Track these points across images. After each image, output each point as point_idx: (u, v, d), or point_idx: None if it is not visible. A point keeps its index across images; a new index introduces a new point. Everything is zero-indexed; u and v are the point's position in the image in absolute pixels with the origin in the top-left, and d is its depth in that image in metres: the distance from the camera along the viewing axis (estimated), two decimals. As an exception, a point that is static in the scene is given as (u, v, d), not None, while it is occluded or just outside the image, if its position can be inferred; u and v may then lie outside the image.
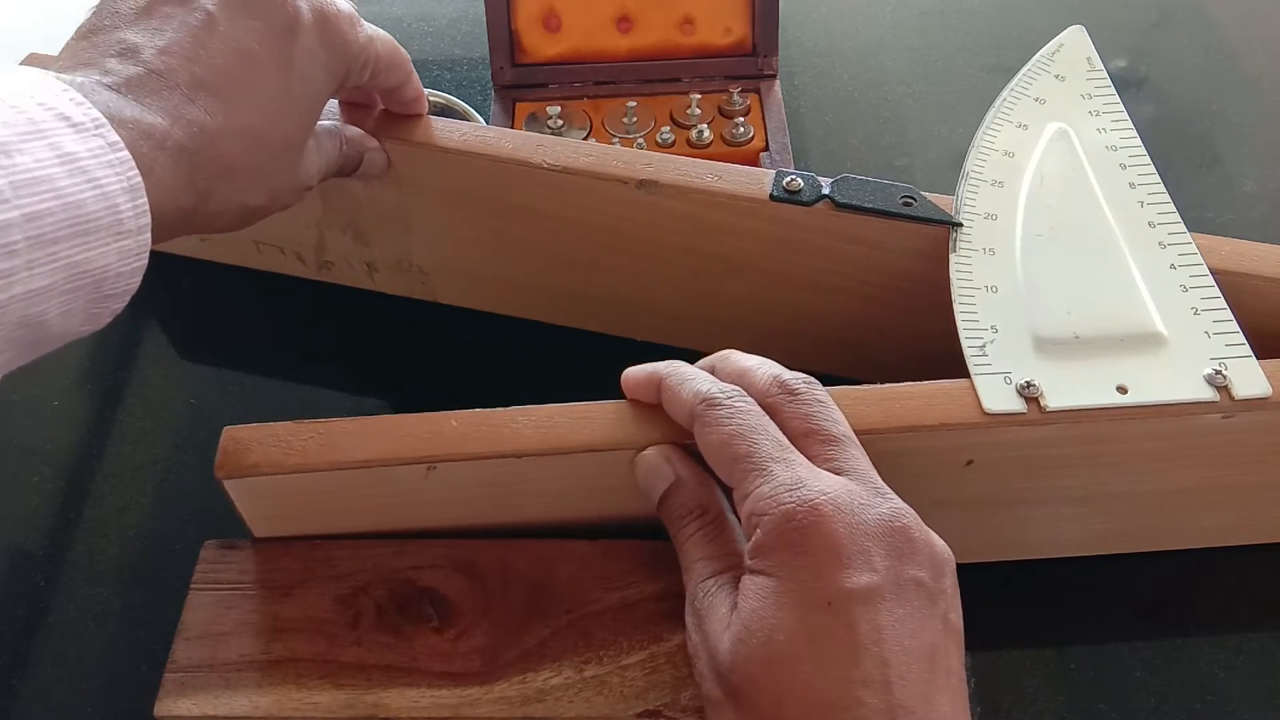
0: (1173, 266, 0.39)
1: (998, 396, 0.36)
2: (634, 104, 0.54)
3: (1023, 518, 0.40)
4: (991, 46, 0.65)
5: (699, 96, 0.54)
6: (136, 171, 0.30)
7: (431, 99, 0.58)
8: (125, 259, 0.30)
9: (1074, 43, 0.47)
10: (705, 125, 0.53)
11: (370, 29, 0.40)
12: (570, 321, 0.49)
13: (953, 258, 0.39)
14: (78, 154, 0.29)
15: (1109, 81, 0.45)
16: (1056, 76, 0.45)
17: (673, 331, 0.48)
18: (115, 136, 0.30)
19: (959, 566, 0.31)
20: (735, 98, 0.54)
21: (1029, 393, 0.36)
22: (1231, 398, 0.35)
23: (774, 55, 0.55)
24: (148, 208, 0.31)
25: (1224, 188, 0.56)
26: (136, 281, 0.31)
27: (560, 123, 0.53)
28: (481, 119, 0.57)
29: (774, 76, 0.56)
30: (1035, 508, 0.40)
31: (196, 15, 0.34)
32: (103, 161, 0.29)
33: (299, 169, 0.38)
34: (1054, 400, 0.35)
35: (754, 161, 0.52)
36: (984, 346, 0.37)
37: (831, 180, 0.41)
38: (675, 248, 0.43)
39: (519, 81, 0.55)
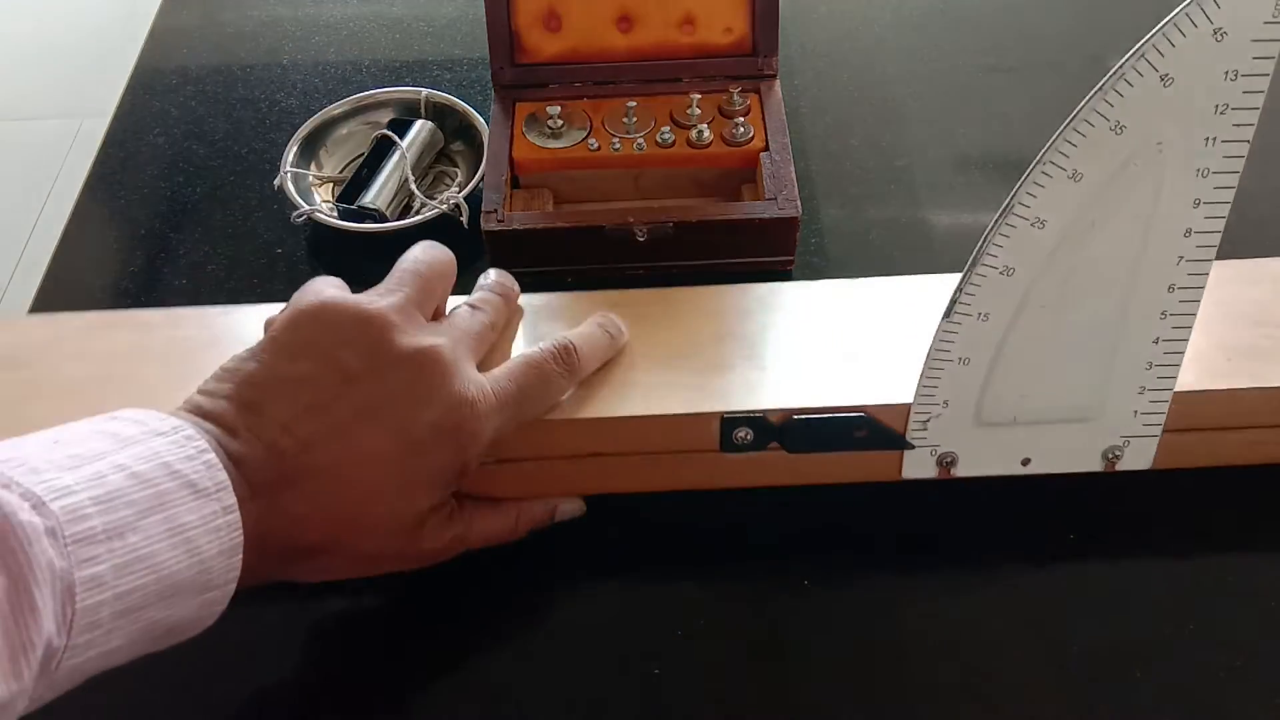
0: (1156, 340, 0.38)
1: (917, 466, 0.40)
2: (634, 104, 0.54)
3: None
4: (991, 46, 0.65)
5: (699, 96, 0.54)
6: (240, 530, 0.31)
7: (432, 99, 0.58)
8: (206, 608, 0.31)
9: None
10: (705, 125, 0.53)
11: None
12: None
13: (944, 322, 0.37)
14: (189, 524, 0.29)
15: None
16: (1214, 33, 0.31)
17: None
18: (231, 499, 0.30)
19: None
20: (735, 98, 0.54)
21: (944, 461, 0.40)
22: (1114, 470, 0.39)
23: (774, 55, 0.55)
24: (239, 563, 0.31)
25: (1224, 188, 0.56)
26: (213, 620, 0.32)
27: (560, 123, 0.53)
28: (482, 119, 0.57)
29: (774, 76, 0.56)
30: None
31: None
32: (210, 527, 0.30)
33: (414, 540, 0.36)
34: (963, 469, 0.40)
35: (754, 162, 0.52)
36: (928, 421, 0.39)
37: (779, 426, 0.39)
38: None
39: (519, 81, 0.55)
